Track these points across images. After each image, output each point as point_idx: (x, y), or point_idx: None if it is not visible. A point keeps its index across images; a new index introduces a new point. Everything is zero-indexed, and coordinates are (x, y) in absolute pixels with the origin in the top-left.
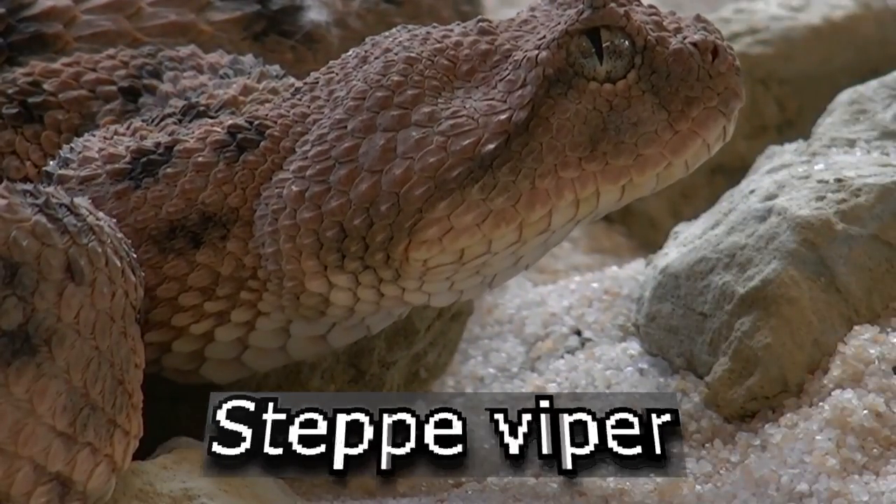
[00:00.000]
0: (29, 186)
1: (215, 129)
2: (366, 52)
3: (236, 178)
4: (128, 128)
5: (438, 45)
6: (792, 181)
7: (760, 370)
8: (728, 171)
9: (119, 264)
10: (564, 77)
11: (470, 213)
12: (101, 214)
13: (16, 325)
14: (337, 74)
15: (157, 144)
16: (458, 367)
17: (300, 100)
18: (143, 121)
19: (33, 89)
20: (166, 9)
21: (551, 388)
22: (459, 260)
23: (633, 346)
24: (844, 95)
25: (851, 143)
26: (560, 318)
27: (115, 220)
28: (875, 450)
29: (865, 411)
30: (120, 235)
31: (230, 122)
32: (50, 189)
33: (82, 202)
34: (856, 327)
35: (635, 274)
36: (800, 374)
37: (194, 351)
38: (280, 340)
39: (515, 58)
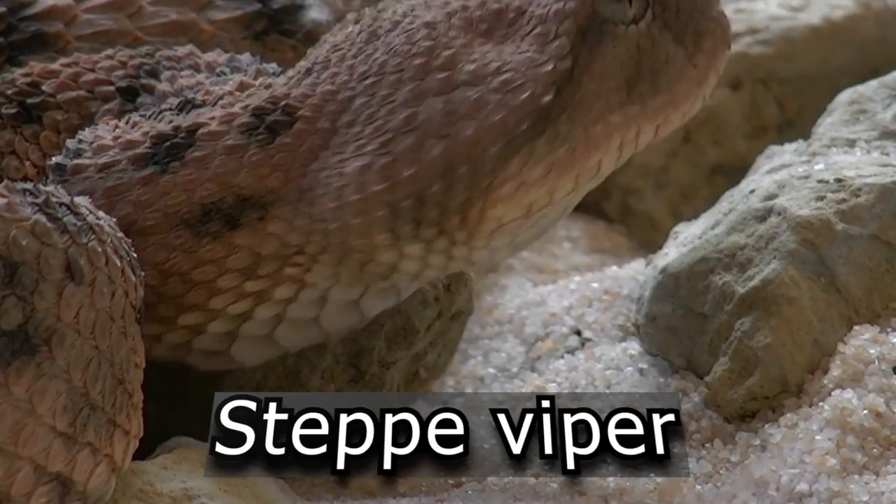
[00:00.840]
0: (29, 185)
1: (235, 111)
2: (371, 27)
3: (274, 160)
4: (127, 122)
5: (448, 10)
6: (792, 181)
7: (760, 370)
8: (728, 171)
9: (119, 264)
10: (594, 24)
11: (539, 165)
12: (101, 213)
13: (15, 324)
14: (349, 50)
15: (177, 128)
16: (458, 367)
17: (318, 78)
18: (140, 116)
19: (32, 90)
20: (167, 8)
21: (551, 388)
22: (527, 214)
23: (633, 346)
24: (844, 95)
25: (851, 143)
26: (560, 318)
27: (143, 206)
28: (875, 450)
29: (865, 411)
30: (120, 235)
31: (249, 104)
32: (50, 188)
33: (82, 201)
34: (856, 327)
35: (635, 274)
36: (800, 374)
37: (229, 331)
38: (316, 310)
39: (535, 13)
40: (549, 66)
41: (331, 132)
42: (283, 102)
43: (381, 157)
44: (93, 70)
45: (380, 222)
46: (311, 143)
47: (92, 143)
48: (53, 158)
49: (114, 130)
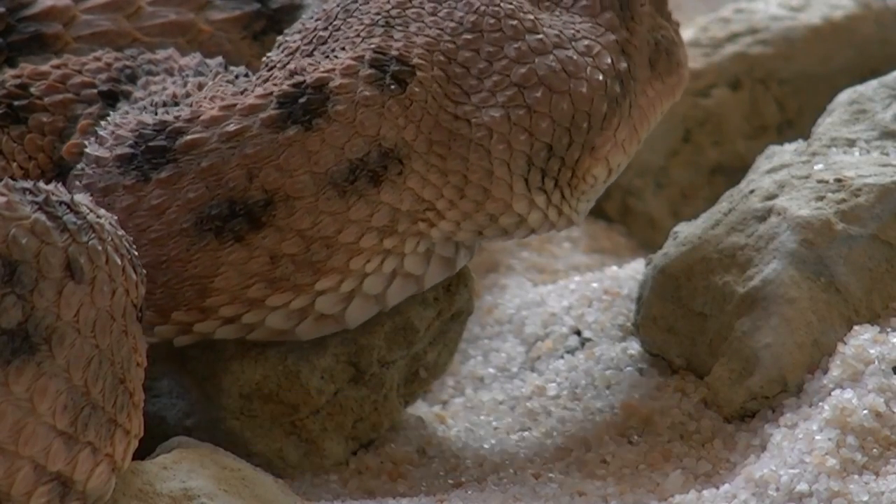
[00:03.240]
0: (29, 184)
1: (350, 63)
2: None
3: (408, 111)
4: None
5: None
6: (792, 181)
7: (760, 370)
8: (728, 171)
9: (119, 262)
10: (625, 3)
11: (625, 127)
12: (101, 211)
13: (15, 323)
14: (422, 8)
15: (299, 84)
16: (458, 367)
17: (407, 30)
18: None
19: (20, 92)
20: (166, 8)
21: (551, 389)
22: (610, 174)
23: (633, 346)
24: (844, 95)
25: (851, 143)
26: (560, 318)
27: (291, 170)
28: (875, 450)
29: (865, 411)
30: (121, 233)
31: (362, 55)
32: (49, 187)
33: (83, 199)
34: (856, 327)
35: (635, 274)
36: (800, 374)
37: (352, 290)
38: (425, 266)
39: None
40: (613, 36)
41: (447, 82)
42: (393, 52)
43: (517, 108)
44: (80, 72)
45: (519, 170)
46: (434, 93)
47: (191, 118)
48: (114, 150)
49: (212, 101)
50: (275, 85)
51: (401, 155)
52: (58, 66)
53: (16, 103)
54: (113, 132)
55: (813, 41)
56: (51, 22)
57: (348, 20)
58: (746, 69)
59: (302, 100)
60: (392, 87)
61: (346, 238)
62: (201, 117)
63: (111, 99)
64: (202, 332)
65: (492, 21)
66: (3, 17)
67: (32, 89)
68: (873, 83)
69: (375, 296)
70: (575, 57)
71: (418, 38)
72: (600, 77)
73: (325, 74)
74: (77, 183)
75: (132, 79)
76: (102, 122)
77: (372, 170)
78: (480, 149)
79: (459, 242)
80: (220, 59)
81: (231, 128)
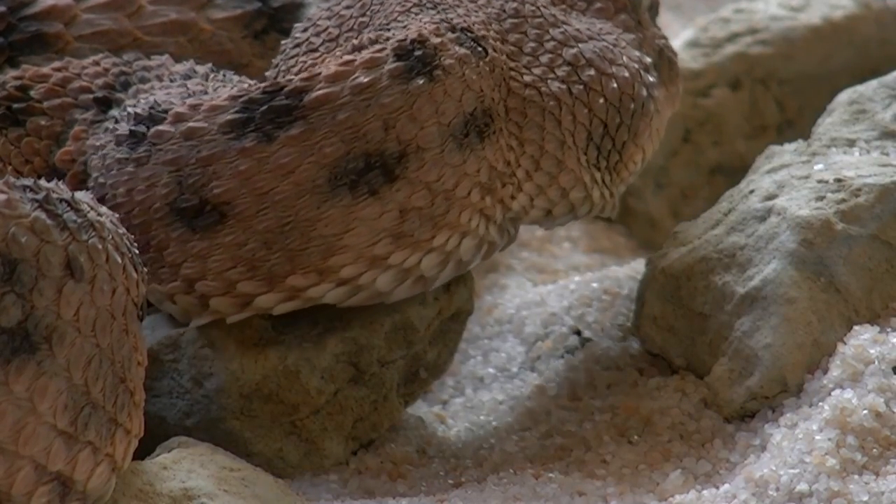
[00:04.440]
0: (29, 182)
1: (434, 26)
2: None
3: (493, 73)
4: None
5: None
6: (792, 181)
7: (760, 370)
8: (728, 171)
9: (120, 261)
10: (633, 8)
11: (661, 117)
12: (102, 209)
13: (15, 322)
14: None
15: (405, 41)
16: (458, 367)
17: (456, 11)
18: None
19: (20, 94)
20: (167, 7)
21: (551, 389)
22: (640, 165)
23: (633, 346)
24: (844, 95)
25: (851, 143)
26: (560, 318)
27: (422, 120)
28: (875, 450)
29: (865, 411)
30: (122, 231)
31: (440, 25)
32: (50, 185)
33: (83, 197)
34: (856, 327)
35: (635, 274)
36: (800, 374)
37: (452, 250)
38: (502, 238)
39: None
40: (632, 35)
41: (508, 56)
42: (463, 25)
43: (575, 84)
44: (80, 76)
45: (581, 144)
46: (504, 63)
47: (308, 77)
48: (211, 119)
49: (313, 65)
50: (365, 49)
51: (492, 114)
52: (59, 69)
53: (15, 106)
54: (160, 109)
55: (813, 41)
56: (52, 21)
57: (385, 4)
58: (746, 69)
59: (418, 53)
60: (479, 49)
61: (460, 192)
62: (321, 74)
63: (105, 105)
64: (312, 298)
65: (532, 8)
66: (4, 16)
67: (32, 92)
68: (873, 83)
69: (464, 261)
70: (611, 46)
71: (472, 18)
72: (636, 65)
73: (423, 33)
74: (135, 163)
75: (126, 86)
76: (118, 111)
77: (478, 125)
78: (552, 118)
79: (512, 232)
80: (209, 65)
81: (363, 79)
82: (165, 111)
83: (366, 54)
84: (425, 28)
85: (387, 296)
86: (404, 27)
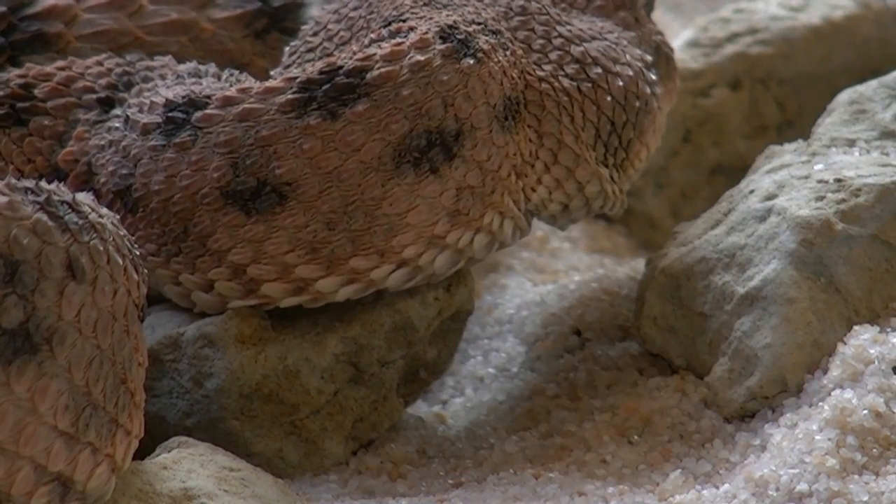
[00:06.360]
0: (30, 183)
1: (457, 18)
2: None
3: (517, 64)
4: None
5: None
6: (792, 181)
7: (760, 370)
8: (728, 171)
9: (121, 262)
10: (630, 5)
11: (662, 115)
12: (103, 211)
13: (16, 323)
14: None
15: (452, 25)
16: (458, 367)
17: (465, 9)
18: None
19: (23, 93)
20: (168, 7)
21: (551, 389)
22: (647, 160)
23: (633, 346)
24: (844, 95)
25: (851, 143)
26: (560, 318)
27: (475, 99)
28: (875, 450)
29: (865, 411)
30: (123, 232)
31: (462, 17)
32: (52, 186)
33: (85, 199)
34: (855, 327)
35: (635, 274)
36: (799, 374)
37: (496, 232)
38: (528, 222)
39: None
40: (632, 32)
41: (520, 49)
42: (474, 18)
43: (584, 81)
44: (83, 76)
45: (589, 139)
46: (520, 57)
47: (363, 58)
48: (270, 100)
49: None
50: (384, 40)
51: (520, 104)
52: (62, 68)
53: (18, 105)
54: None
55: (813, 41)
56: (53, 21)
57: (395, 3)
58: (746, 69)
59: (460, 35)
60: (503, 40)
61: (502, 173)
62: (377, 55)
63: (107, 105)
64: (374, 281)
65: (538, 6)
66: (5, 16)
67: (36, 91)
68: (873, 83)
69: (505, 243)
70: (612, 45)
71: (484, 14)
72: (638, 64)
73: (455, 21)
74: (192, 149)
75: (129, 86)
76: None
77: (513, 110)
78: (566, 113)
79: (521, 230)
80: (212, 64)
81: (420, 57)
82: (207, 97)
83: (413, 36)
84: (448, 19)
85: (434, 278)
86: (427, 19)
